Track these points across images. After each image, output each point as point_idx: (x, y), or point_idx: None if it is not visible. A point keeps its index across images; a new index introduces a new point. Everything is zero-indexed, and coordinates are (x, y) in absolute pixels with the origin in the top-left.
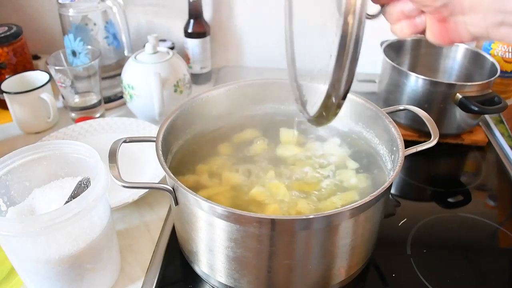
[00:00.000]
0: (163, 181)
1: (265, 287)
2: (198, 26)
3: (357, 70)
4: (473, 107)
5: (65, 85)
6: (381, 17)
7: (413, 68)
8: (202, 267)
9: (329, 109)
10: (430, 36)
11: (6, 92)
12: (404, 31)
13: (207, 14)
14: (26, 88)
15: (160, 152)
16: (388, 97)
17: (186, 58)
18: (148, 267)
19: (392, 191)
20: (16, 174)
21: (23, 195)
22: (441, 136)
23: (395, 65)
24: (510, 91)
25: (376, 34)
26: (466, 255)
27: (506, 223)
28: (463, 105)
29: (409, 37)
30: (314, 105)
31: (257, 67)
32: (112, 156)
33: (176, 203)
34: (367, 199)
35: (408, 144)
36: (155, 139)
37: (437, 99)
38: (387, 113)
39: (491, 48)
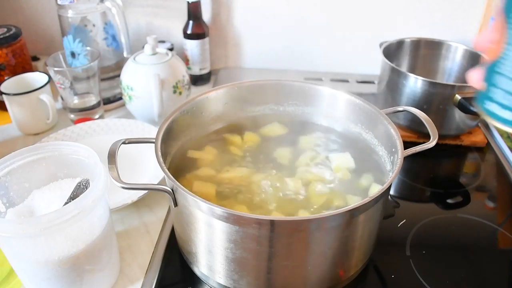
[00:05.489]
0: (162, 182)
1: None
2: (197, 27)
3: (356, 71)
4: (472, 108)
5: (64, 86)
6: (380, 18)
7: (412, 69)
8: (201, 268)
9: None
10: None
11: (5, 94)
12: None
13: (206, 15)
14: (25, 89)
15: (159, 153)
16: (387, 98)
17: (185, 59)
18: (147, 268)
19: (391, 192)
20: (15, 175)
21: (22, 196)
22: (440, 137)
23: (394, 66)
24: None
25: (376, 35)
26: (466, 256)
27: (505, 224)
28: (462, 106)
29: None
30: None
31: (256, 68)
32: (111, 157)
33: (175, 204)
34: (366, 200)
35: (407, 145)
36: (154, 140)
37: (436, 100)
38: (386, 114)
39: None
